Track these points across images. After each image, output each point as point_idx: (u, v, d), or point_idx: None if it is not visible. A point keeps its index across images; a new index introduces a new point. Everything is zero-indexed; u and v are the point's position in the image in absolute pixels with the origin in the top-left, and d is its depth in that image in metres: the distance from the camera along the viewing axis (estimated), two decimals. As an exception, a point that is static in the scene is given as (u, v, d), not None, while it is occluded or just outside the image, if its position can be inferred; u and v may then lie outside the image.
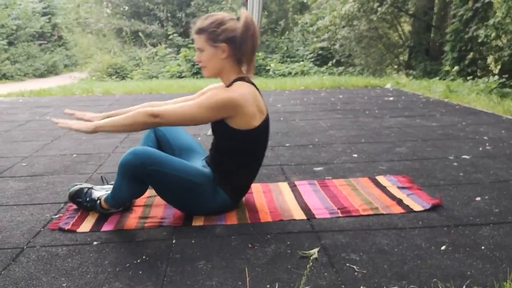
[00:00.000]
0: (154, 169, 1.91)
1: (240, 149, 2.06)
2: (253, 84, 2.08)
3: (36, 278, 1.59)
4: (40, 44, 18.94)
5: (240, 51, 2.01)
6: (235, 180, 2.11)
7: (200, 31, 2.01)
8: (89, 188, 2.17)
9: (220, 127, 2.04)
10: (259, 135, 2.07)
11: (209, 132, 3.90)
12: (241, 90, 1.97)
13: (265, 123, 2.08)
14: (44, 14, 19.85)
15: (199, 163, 2.22)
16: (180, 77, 11.77)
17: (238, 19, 2.02)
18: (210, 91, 2.02)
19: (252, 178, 2.19)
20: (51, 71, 18.16)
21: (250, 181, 2.19)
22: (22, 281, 1.57)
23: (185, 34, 17.84)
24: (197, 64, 11.75)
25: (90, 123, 1.98)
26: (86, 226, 2.01)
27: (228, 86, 2.05)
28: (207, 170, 2.10)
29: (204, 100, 1.95)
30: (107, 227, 2.01)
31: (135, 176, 1.92)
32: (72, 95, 7.32)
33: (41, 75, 17.10)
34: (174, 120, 1.94)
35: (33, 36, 18.49)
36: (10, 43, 16.64)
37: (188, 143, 2.36)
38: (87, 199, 2.12)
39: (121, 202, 2.09)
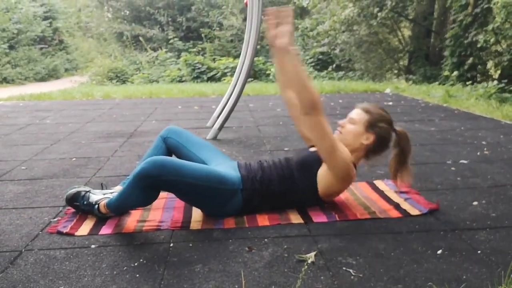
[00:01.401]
0: (171, 178, 1.92)
1: (301, 189, 2.13)
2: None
3: (33, 281, 1.60)
4: (41, 48, 19.00)
5: (376, 151, 2.18)
6: (263, 199, 2.12)
7: (367, 111, 2.16)
8: (86, 192, 2.17)
9: (310, 168, 2.12)
10: (319, 199, 2.17)
11: (208, 135, 3.91)
12: (355, 173, 2.13)
13: (331, 198, 2.22)
14: (45, 18, 19.93)
15: (227, 164, 2.25)
16: (180, 81, 11.81)
17: (394, 130, 2.18)
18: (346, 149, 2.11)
19: (274, 207, 2.19)
20: (51, 75, 18.21)
21: (271, 208, 2.19)
22: (19, 284, 1.58)
23: (185, 38, 17.90)
24: (198, 68, 11.84)
25: (286, 43, 1.87)
26: (84, 229, 2.02)
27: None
28: (233, 174, 2.11)
29: (343, 148, 2.07)
30: (105, 230, 2.01)
31: (152, 186, 1.93)
32: (73, 99, 7.34)
33: (42, 79, 17.15)
34: (320, 128, 1.97)
35: (34, 40, 18.56)
36: (11, 47, 16.70)
37: (204, 144, 2.40)
38: (84, 202, 2.13)
39: (127, 209, 2.10)
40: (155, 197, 2.00)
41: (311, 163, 2.12)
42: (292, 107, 2.34)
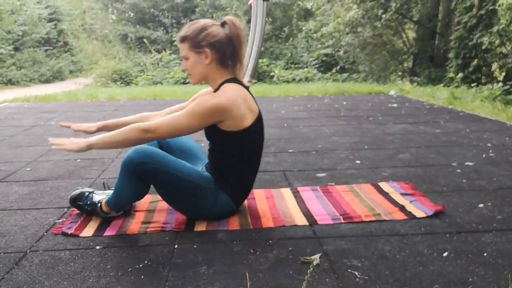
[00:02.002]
0: (156, 167, 1.92)
1: (236, 150, 2.07)
2: (242, 84, 2.09)
3: (38, 282, 1.60)
4: (46, 50, 19.07)
5: (224, 54, 2.04)
6: (235, 181, 2.11)
7: (183, 39, 2.05)
8: (90, 192, 2.18)
9: (213, 132, 2.06)
10: (252, 134, 2.07)
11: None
12: (228, 93, 1.99)
13: (258, 121, 2.09)
14: (50, 20, 20.00)
15: (199, 168, 2.23)
16: (184, 83, 11.81)
17: (222, 24, 2.06)
18: (198, 99, 2.02)
19: (253, 177, 2.19)
20: (56, 76, 18.27)
21: (251, 181, 2.19)
22: (24, 285, 1.58)
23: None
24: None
25: (83, 141, 2.02)
26: (89, 230, 2.02)
27: (216, 90, 2.07)
28: (207, 174, 2.11)
29: (192, 109, 1.97)
30: (109, 231, 2.01)
31: (137, 174, 1.93)
32: (77, 100, 7.36)
33: (47, 81, 17.20)
34: (166, 132, 1.97)
35: (39, 42, 18.63)
36: (16, 49, 16.77)
37: (189, 147, 2.38)
38: (88, 202, 2.13)
39: (122, 203, 2.09)
40: (144, 188, 2.02)
41: (214, 132, 2.06)
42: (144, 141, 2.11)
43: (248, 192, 2.20)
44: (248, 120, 2.03)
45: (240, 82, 2.09)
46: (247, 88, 2.11)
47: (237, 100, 1.99)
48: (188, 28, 2.06)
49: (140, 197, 2.09)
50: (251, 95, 2.11)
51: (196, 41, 2.02)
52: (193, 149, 2.39)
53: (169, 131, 1.97)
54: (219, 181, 2.09)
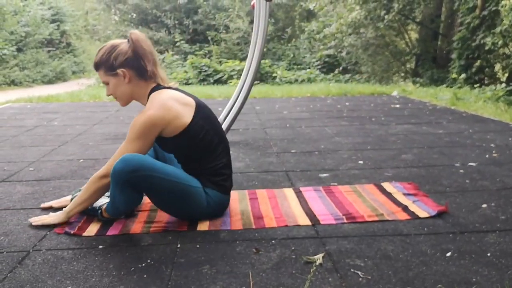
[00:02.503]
0: (146, 174, 1.91)
1: (192, 147, 2.05)
2: (167, 87, 2.09)
3: (41, 281, 1.60)
4: (49, 51, 19.10)
5: (139, 69, 2.04)
6: (211, 174, 2.10)
7: (97, 66, 2.07)
8: None
9: (162, 143, 2.08)
10: (198, 126, 2.04)
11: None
12: (155, 102, 2.00)
13: (199, 110, 2.06)
14: (53, 21, 20.04)
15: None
16: (187, 83, 11.82)
17: (128, 40, 2.05)
18: (133, 122, 2.02)
19: (226, 161, 2.15)
20: (59, 77, 18.29)
21: (227, 165, 2.16)
22: (27, 284, 1.58)
23: (192, 41, 17.95)
24: (204, 71, 11.87)
25: (61, 213, 2.08)
26: (92, 230, 2.02)
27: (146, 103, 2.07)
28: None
29: (130, 134, 1.99)
30: (112, 231, 2.01)
31: (128, 184, 1.92)
32: (80, 101, 7.38)
33: (50, 82, 17.23)
34: None
35: (42, 43, 18.66)
36: (19, 50, 16.79)
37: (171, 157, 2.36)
38: (89, 207, 2.13)
39: (119, 211, 2.08)
40: (137, 198, 2.02)
41: (163, 142, 2.08)
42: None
43: (230, 176, 2.18)
44: (187, 115, 2.02)
45: (164, 86, 2.09)
46: (176, 89, 2.11)
47: (167, 104, 1.99)
48: (98, 54, 2.07)
49: (135, 204, 2.10)
50: (181, 91, 2.11)
51: (109, 64, 2.03)
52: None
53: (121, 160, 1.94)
54: (199, 180, 2.08)
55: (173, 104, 2.00)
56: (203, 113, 2.09)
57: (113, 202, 2.01)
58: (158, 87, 2.08)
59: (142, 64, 2.03)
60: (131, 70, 2.03)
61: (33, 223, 2.09)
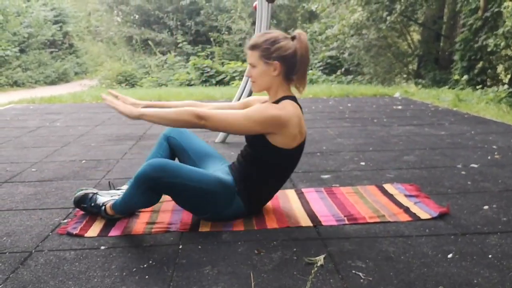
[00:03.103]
0: (172, 181, 1.91)
1: (273, 165, 2.08)
2: (298, 104, 2.10)
3: (43, 281, 1.61)
4: (51, 52, 19.15)
5: (292, 70, 2.04)
6: (257, 192, 2.12)
7: (254, 47, 2.04)
8: (94, 194, 2.18)
9: (259, 141, 2.04)
10: (294, 156, 2.10)
11: (217, 139, 3.92)
12: (289, 109, 2.00)
13: (302, 145, 2.11)
14: (56, 22, 20.10)
15: (218, 168, 2.23)
16: (189, 85, 11.84)
17: (292, 38, 2.05)
18: (258, 105, 2.02)
19: (273, 194, 2.21)
20: (61, 78, 18.36)
21: (270, 197, 2.21)
22: (30, 285, 1.59)
23: (194, 42, 17.96)
24: (206, 72, 11.88)
25: (136, 109, 1.96)
26: (94, 231, 2.03)
27: (274, 102, 2.07)
28: (228, 177, 2.11)
29: (253, 113, 1.96)
30: (114, 232, 2.02)
31: (151, 188, 1.93)
32: (82, 102, 7.39)
33: (52, 83, 17.28)
34: (219, 126, 1.96)
35: (44, 44, 18.72)
36: (21, 51, 16.86)
37: (204, 149, 2.37)
38: (92, 204, 2.14)
39: (130, 210, 2.10)
40: (156, 199, 2.00)
41: (260, 141, 2.05)
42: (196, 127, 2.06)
43: (262, 206, 2.22)
44: (296, 142, 2.05)
45: (297, 102, 2.10)
46: (301, 109, 2.12)
47: (294, 119, 2.00)
48: (261, 37, 2.05)
49: (151, 205, 2.08)
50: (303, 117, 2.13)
51: (268, 52, 2.01)
52: (209, 151, 2.38)
53: (222, 125, 1.95)
54: (240, 187, 2.09)
55: (297, 123, 2.02)
56: (302, 149, 2.13)
57: (128, 201, 2.00)
58: (293, 98, 2.09)
59: (296, 66, 2.03)
60: (284, 67, 2.03)
61: (105, 99, 1.99)
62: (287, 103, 2.03)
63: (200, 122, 1.92)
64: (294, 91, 2.13)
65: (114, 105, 1.96)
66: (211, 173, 2.07)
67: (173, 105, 2.21)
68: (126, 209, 2.07)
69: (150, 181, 1.90)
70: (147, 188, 1.92)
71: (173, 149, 2.35)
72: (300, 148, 2.10)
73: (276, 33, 2.06)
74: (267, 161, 2.07)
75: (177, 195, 2.01)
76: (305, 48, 2.02)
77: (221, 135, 3.94)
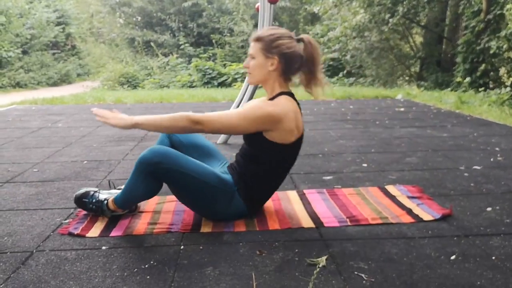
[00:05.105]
0: (172, 168, 1.92)
1: (271, 161, 2.08)
2: (296, 100, 2.10)
3: (44, 281, 1.60)
4: (54, 53, 19.19)
5: (290, 68, 2.05)
6: (256, 189, 2.11)
7: (259, 39, 2.06)
8: (95, 191, 2.18)
9: (256, 138, 2.05)
10: (292, 151, 2.10)
11: (219, 140, 3.92)
12: (283, 105, 2.01)
13: (300, 140, 2.11)
14: (58, 24, 20.15)
15: (217, 169, 2.23)
16: (191, 86, 11.85)
17: (298, 40, 2.06)
18: (252, 103, 2.04)
19: (272, 191, 2.20)
20: (64, 80, 18.39)
21: (269, 194, 2.20)
22: (30, 284, 1.58)
23: (196, 44, 17.98)
24: (208, 74, 11.89)
25: (129, 118, 1.98)
26: (95, 231, 2.02)
27: (271, 98, 2.08)
28: (227, 176, 2.11)
29: (247, 112, 1.97)
30: (116, 232, 2.01)
31: (152, 174, 1.93)
32: (84, 103, 7.39)
33: (54, 84, 17.31)
34: (215, 128, 1.97)
35: (47, 45, 18.77)
36: (24, 52, 16.90)
37: (207, 148, 2.37)
38: (93, 200, 2.13)
39: (132, 202, 2.09)
40: (157, 187, 2.01)
41: (257, 138, 2.05)
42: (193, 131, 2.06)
43: (262, 203, 2.22)
44: (293, 137, 2.05)
45: (295, 98, 2.11)
46: (299, 105, 2.12)
47: (290, 114, 2.00)
48: (267, 30, 2.08)
49: (152, 195, 2.08)
50: (301, 112, 2.13)
51: (270, 46, 2.02)
52: (211, 150, 2.37)
53: (218, 127, 1.97)
54: (239, 185, 2.08)
55: (293, 118, 2.02)
56: (300, 144, 2.13)
57: (129, 192, 2.01)
58: (290, 93, 2.10)
59: (296, 66, 2.05)
60: (282, 64, 2.03)
61: (96, 117, 1.99)
62: (282, 98, 2.04)
63: (196, 127, 1.94)
64: (315, 93, 2.14)
65: (104, 120, 2.00)
66: (211, 169, 2.06)
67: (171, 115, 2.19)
68: (128, 200, 2.06)
69: (150, 166, 1.91)
70: (147, 174, 1.93)
71: (174, 146, 2.34)
72: (297, 143, 2.09)
73: (283, 31, 2.08)
74: (265, 157, 2.07)
75: (176, 184, 2.00)
76: (309, 52, 2.04)
77: (222, 136, 3.94)
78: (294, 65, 2.05)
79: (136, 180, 1.96)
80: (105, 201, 2.10)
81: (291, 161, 2.15)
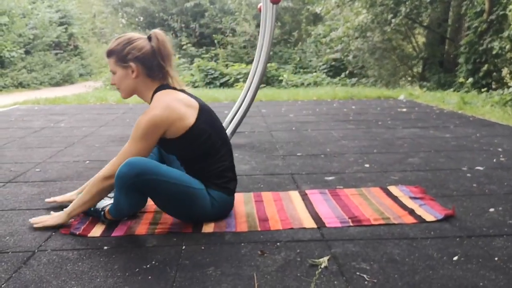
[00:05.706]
0: (150, 178, 1.91)
1: (194, 149, 2.05)
2: (172, 87, 2.09)
3: (46, 281, 1.60)
4: (56, 54, 19.21)
5: (151, 68, 2.05)
6: (214, 175, 2.09)
7: (109, 53, 2.07)
8: None
9: (165, 144, 2.07)
10: (201, 128, 2.04)
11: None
12: (160, 102, 2.00)
13: (202, 113, 2.07)
14: (61, 24, 20.16)
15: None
16: (193, 86, 11.84)
17: (148, 37, 2.06)
18: (136, 121, 2.02)
19: (229, 163, 2.15)
20: (66, 80, 18.41)
21: (230, 167, 2.16)
22: (32, 284, 1.58)
23: (198, 44, 17.98)
24: (211, 74, 11.90)
25: (63, 213, 2.06)
26: (97, 231, 2.02)
27: (150, 102, 2.08)
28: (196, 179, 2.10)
29: (135, 133, 1.99)
30: (117, 232, 2.01)
31: (133, 187, 1.92)
32: (87, 103, 7.41)
33: (57, 84, 17.33)
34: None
35: (49, 46, 18.78)
36: (27, 52, 16.91)
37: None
38: (91, 209, 2.13)
39: (122, 213, 2.08)
40: (141, 201, 2.02)
41: (165, 143, 2.07)
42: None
43: (233, 179, 2.18)
44: (191, 117, 2.02)
45: (169, 87, 2.10)
46: (181, 90, 2.11)
47: (171, 105, 1.99)
48: (114, 42, 2.08)
49: (140, 207, 2.09)
50: (187, 92, 2.12)
51: (122, 55, 2.03)
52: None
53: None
54: (202, 181, 2.07)
55: (177, 105, 2.01)
56: (206, 115, 2.09)
57: (117, 205, 2.01)
58: (163, 86, 2.09)
59: (155, 63, 2.04)
60: (141, 67, 2.04)
61: (34, 226, 2.07)
62: (158, 95, 2.05)
63: (110, 182, 1.98)
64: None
65: (43, 224, 2.06)
66: (185, 174, 2.06)
67: (89, 183, 2.18)
68: (118, 213, 2.05)
69: (130, 179, 1.89)
70: (129, 188, 1.92)
71: (163, 157, 2.33)
72: (201, 118, 2.04)
73: (129, 35, 2.08)
74: (186, 151, 2.06)
75: (160, 195, 1.99)
76: (159, 45, 2.03)
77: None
78: (153, 63, 2.04)
79: (119, 196, 1.95)
80: (102, 212, 2.09)
81: (213, 133, 2.08)
